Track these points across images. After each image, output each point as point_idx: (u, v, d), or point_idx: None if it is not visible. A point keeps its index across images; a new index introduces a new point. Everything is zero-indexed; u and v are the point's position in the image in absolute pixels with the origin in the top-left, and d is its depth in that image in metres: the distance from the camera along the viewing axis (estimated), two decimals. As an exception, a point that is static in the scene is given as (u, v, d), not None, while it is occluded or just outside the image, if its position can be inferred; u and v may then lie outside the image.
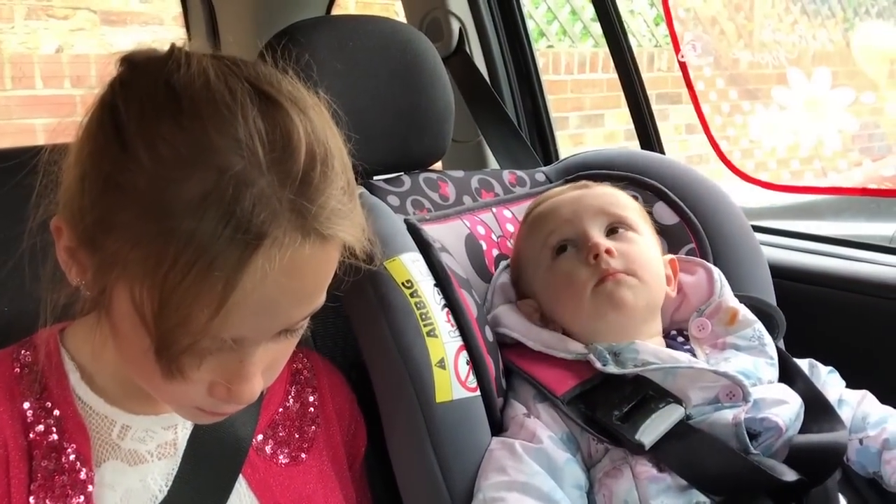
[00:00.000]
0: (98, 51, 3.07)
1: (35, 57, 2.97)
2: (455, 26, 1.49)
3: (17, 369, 0.74)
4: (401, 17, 1.66)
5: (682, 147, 4.37)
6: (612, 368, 0.89)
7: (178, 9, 2.11)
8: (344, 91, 1.10)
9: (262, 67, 0.63)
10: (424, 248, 0.93)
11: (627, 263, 0.93)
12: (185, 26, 1.99)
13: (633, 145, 1.48)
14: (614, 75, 1.47)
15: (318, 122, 0.62)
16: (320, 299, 0.65)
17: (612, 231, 0.97)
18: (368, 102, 1.13)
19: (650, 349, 0.90)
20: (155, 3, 2.92)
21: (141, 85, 0.60)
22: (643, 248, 0.96)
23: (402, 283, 0.87)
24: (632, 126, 1.47)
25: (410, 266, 0.89)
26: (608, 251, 0.93)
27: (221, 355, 0.63)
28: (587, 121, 4.17)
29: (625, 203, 1.01)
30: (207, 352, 0.62)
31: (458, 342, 0.88)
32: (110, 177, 0.58)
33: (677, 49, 1.30)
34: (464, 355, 0.88)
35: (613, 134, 4.26)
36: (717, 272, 1.02)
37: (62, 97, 3.01)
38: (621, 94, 1.47)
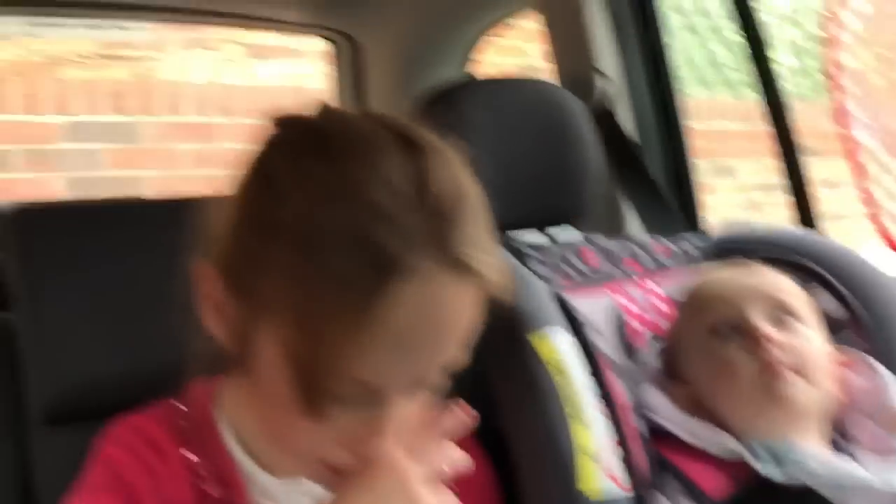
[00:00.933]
0: (244, 82, 3.21)
1: (186, 86, 3.13)
2: (602, 84, 1.47)
3: (181, 421, 0.76)
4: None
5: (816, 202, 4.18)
6: (774, 473, 0.83)
7: (321, 44, 2.20)
8: (489, 148, 1.11)
9: (405, 119, 0.66)
10: (574, 324, 0.90)
11: (796, 359, 0.88)
12: (336, 71, 2.05)
13: (770, 202, 1.41)
14: (751, 125, 1.42)
15: (460, 169, 0.64)
16: (459, 350, 0.64)
17: (778, 320, 0.92)
18: (512, 159, 1.14)
19: (816, 455, 0.84)
20: (299, 39, 3.02)
21: (291, 134, 0.64)
22: (813, 343, 0.90)
23: (550, 363, 0.85)
24: (767, 179, 1.39)
25: (559, 344, 0.87)
26: (776, 342, 0.88)
27: (358, 405, 0.63)
28: (718, 171, 4.05)
29: (793, 290, 0.95)
30: (347, 396, 0.62)
31: (609, 433, 0.85)
32: (262, 219, 0.61)
33: (844, 122, 1.23)
34: (615, 448, 0.85)
35: (743, 186, 4.12)
36: (886, 373, 0.94)
37: (210, 126, 3.16)
38: (757, 145, 1.40)
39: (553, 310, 0.91)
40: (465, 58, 1.86)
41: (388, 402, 0.63)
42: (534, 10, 1.59)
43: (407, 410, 0.65)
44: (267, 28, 1.98)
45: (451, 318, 0.62)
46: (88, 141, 2.95)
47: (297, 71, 3.26)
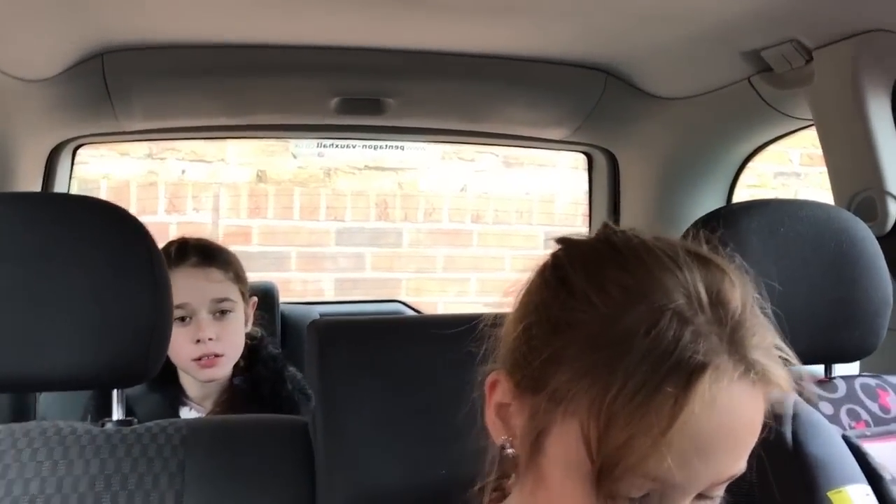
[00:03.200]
0: (497, 190, 3.35)
1: (443, 195, 3.33)
2: (892, 206, 1.37)
3: None
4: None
5: None
6: None
7: (573, 155, 2.25)
8: (771, 275, 1.07)
9: (689, 242, 0.69)
10: (873, 479, 0.83)
11: None
12: (590, 183, 2.09)
13: None
14: None
15: (748, 287, 0.65)
16: (742, 462, 0.63)
17: None
18: (796, 288, 1.08)
19: None
20: (552, 152, 3.12)
21: (583, 247, 0.68)
22: None
23: (851, 522, 0.78)
24: None
25: (859, 501, 0.79)
26: None
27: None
28: None
29: None
30: (638, 498, 0.62)
31: None
32: (559, 319, 0.64)
33: None
34: None
35: None
36: None
37: (461, 232, 3.33)
38: None
39: (851, 463, 0.84)
40: (731, 177, 1.82)
41: None
42: (809, 126, 1.54)
43: None
44: (530, 145, 2.07)
45: (745, 423, 0.62)
46: (355, 245, 3.21)
47: (548, 181, 3.35)
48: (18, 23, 1.26)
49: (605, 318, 0.62)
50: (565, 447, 0.63)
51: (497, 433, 0.69)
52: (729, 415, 0.60)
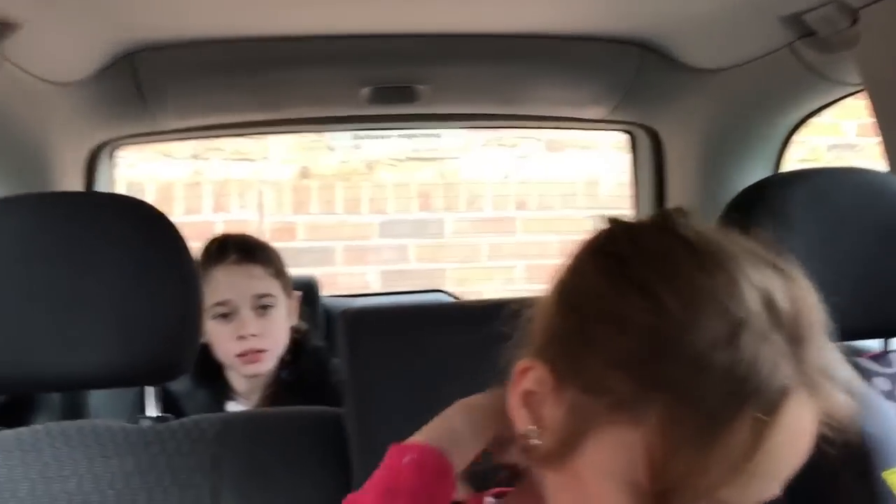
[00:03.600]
0: (541, 175, 3.31)
1: (485, 183, 3.30)
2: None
3: None
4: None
5: None
6: None
7: (616, 136, 2.20)
8: (820, 247, 1.02)
9: (743, 237, 0.63)
10: (934, 456, 0.78)
11: None
12: (634, 163, 2.04)
13: None
14: None
15: (810, 290, 0.60)
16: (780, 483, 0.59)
17: None
18: (847, 259, 1.03)
19: None
20: (595, 132, 3.07)
21: (647, 237, 0.63)
22: None
23: (909, 502, 0.74)
24: None
25: (918, 480, 0.75)
26: None
27: None
28: None
29: None
30: None
31: None
32: (621, 316, 0.59)
33: None
34: None
35: None
36: None
37: (504, 220, 3.30)
38: None
39: (910, 440, 0.79)
40: (777, 149, 1.75)
41: None
42: (859, 91, 1.47)
43: None
44: (569, 127, 2.03)
45: (808, 445, 0.58)
46: (399, 237, 3.20)
47: (592, 163, 3.30)
48: (47, 26, 1.27)
49: (679, 324, 0.57)
50: (612, 455, 0.59)
51: (522, 421, 0.65)
52: (801, 439, 0.58)
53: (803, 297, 0.59)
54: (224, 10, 1.39)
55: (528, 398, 0.64)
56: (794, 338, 0.57)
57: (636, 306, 0.59)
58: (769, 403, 0.55)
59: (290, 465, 0.96)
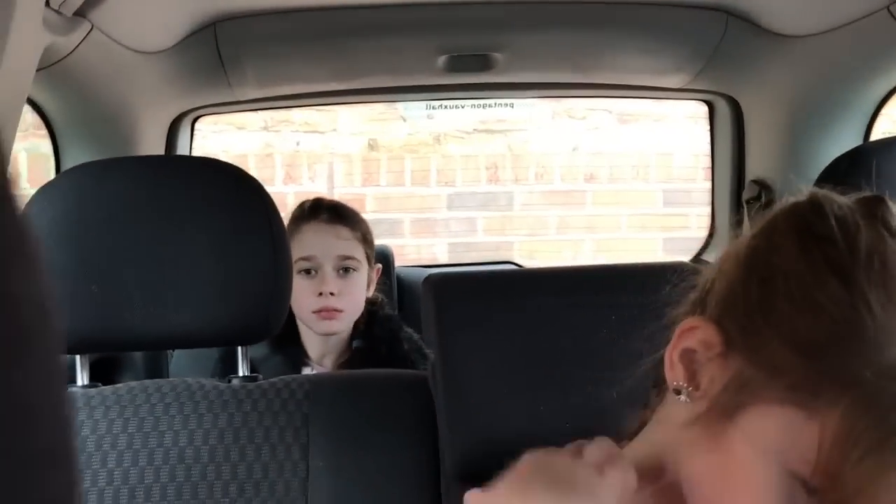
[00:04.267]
0: (611, 147, 3.26)
1: (554, 155, 3.27)
2: None
3: None
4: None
5: None
6: None
7: (688, 107, 2.15)
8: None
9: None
10: None
11: None
12: (713, 134, 2.00)
13: None
14: None
15: None
16: None
17: None
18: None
19: None
20: (667, 103, 3.00)
21: (852, 220, 0.58)
22: None
23: None
24: None
25: None
26: None
27: None
28: None
29: None
30: None
31: None
32: (822, 306, 0.56)
33: None
34: None
35: None
36: None
37: (574, 192, 3.26)
38: None
39: None
40: (866, 121, 1.69)
41: None
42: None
43: None
44: (648, 96, 1.99)
45: None
46: (467, 209, 3.20)
47: (665, 135, 3.24)
48: (134, -4, 1.30)
49: (881, 328, 0.54)
50: (777, 433, 0.56)
51: (675, 377, 0.62)
52: None
53: None
54: (303, -21, 1.40)
55: (688, 356, 0.62)
56: None
57: (835, 296, 0.56)
58: None
59: (378, 425, 0.97)
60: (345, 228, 1.53)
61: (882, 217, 0.58)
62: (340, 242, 1.52)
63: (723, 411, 0.59)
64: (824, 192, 0.62)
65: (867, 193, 0.61)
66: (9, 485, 0.21)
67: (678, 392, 0.62)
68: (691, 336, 0.62)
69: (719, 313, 0.62)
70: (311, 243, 1.50)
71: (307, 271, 1.50)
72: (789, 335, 0.56)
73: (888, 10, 1.37)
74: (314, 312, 1.50)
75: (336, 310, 1.50)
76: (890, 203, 0.59)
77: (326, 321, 1.50)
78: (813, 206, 0.61)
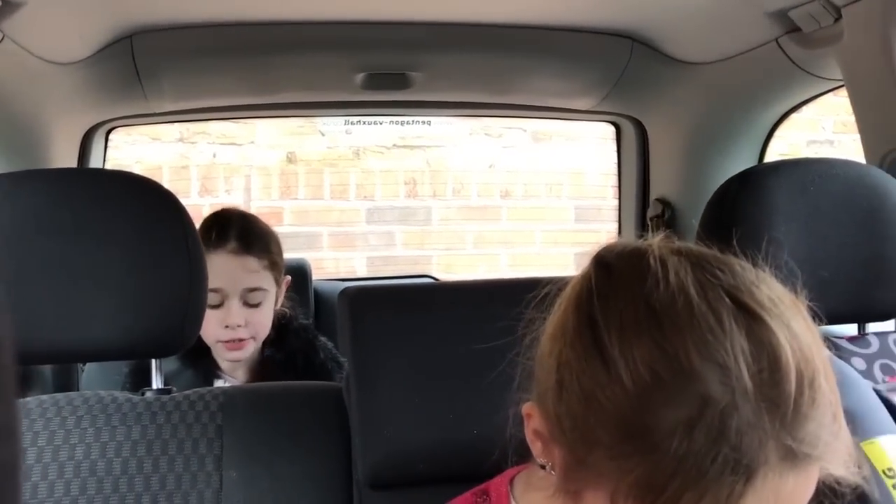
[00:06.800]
0: (526, 165, 3.35)
1: (471, 172, 3.34)
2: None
3: None
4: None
5: None
6: None
7: (601, 128, 2.24)
8: (802, 236, 1.07)
9: (738, 271, 0.60)
10: (905, 429, 0.83)
11: None
12: (619, 154, 2.08)
13: None
14: None
15: (804, 336, 0.57)
16: None
17: None
18: (828, 248, 1.08)
19: None
20: (580, 124, 3.11)
21: (620, 299, 0.59)
22: None
23: (884, 472, 0.78)
24: None
25: (891, 451, 0.80)
26: None
27: None
28: None
29: None
30: None
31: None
32: (591, 393, 0.58)
33: None
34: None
35: None
36: None
37: (490, 208, 3.34)
38: None
39: (883, 415, 0.84)
40: (760, 142, 1.80)
41: None
42: (839, 87, 1.52)
43: None
44: (558, 117, 2.06)
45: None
46: (386, 223, 3.23)
47: (577, 154, 3.34)
48: (49, 6, 1.28)
49: (636, 404, 0.55)
50: None
51: (536, 453, 0.65)
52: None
53: (791, 358, 0.55)
54: (221, -6, 1.41)
55: (538, 436, 0.64)
56: (774, 406, 0.54)
57: (599, 382, 0.57)
58: (730, 487, 0.53)
59: (292, 436, 0.99)
60: (252, 259, 1.47)
61: (644, 274, 0.58)
62: (248, 275, 1.47)
63: (567, 492, 0.62)
64: (604, 247, 0.63)
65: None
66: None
67: (542, 466, 0.64)
68: (532, 419, 0.64)
69: (539, 395, 0.63)
70: (218, 274, 1.39)
71: (213, 305, 1.43)
72: (583, 432, 0.58)
73: (777, 42, 1.47)
74: (221, 342, 1.48)
75: (243, 339, 1.48)
76: (670, 242, 0.61)
77: (234, 351, 1.48)
78: (589, 276, 0.61)
